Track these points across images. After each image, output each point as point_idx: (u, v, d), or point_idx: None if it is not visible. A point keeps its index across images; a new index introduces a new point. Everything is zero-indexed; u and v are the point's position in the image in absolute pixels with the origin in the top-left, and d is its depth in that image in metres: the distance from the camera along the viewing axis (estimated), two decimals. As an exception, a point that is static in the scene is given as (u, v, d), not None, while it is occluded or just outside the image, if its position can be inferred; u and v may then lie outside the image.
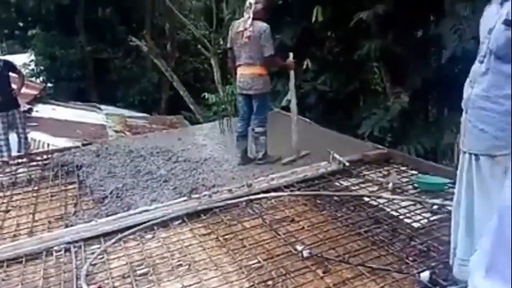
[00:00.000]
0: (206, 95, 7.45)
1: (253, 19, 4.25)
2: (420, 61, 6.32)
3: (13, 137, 5.94)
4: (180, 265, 2.70)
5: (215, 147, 5.35)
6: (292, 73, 4.68)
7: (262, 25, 4.23)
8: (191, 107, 12.69)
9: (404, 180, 3.74)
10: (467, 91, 2.03)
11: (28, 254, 2.97)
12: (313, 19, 6.22)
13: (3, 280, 2.71)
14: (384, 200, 3.35)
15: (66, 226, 3.41)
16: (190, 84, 14.06)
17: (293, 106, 4.75)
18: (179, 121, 12.01)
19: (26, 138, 5.94)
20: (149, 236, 3.12)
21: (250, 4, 4.28)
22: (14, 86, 5.95)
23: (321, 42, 7.23)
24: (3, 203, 4.07)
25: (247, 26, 4.26)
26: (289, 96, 4.88)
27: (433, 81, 5.91)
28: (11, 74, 5.91)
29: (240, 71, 4.42)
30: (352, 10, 6.09)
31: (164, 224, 3.25)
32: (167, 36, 17.04)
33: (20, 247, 3.04)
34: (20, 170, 4.98)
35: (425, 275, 2.28)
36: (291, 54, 4.67)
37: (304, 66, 6.72)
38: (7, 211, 3.88)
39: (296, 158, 4.55)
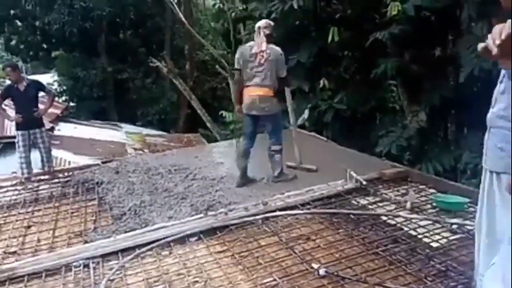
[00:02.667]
0: (223, 113, 7.56)
1: (267, 42, 4.40)
2: (437, 80, 6.30)
3: (35, 155, 6.07)
4: (197, 281, 2.71)
5: (232, 165, 5.37)
6: (288, 90, 4.89)
7: (278, 49, 4.41)
8: (208, 125, 12.83)
9: (423, 199, 3.69)
10: (490, 110, 2.04)
11: (47, 269, 3.02)
12: (330, 39, 6.29)
13: (23, 294, 2.76)
14: (402, 219, 3.31)
15: (85, 242, 3.46)
16: (207, 102, 14.26)
17: (292, 119, 5.04)
18: (196, 139, 12.16)
19: (49, 157, 5.95)
20: (166, 252, 3.14)
21: (259, 28, 4.43)
22: (41, 106, 6.09)
23: (338, 61, 7.29)
24: (25, 218, 4.17)
25: (263, 48, 4.37)
26: (290, 114, 5.09)
27: (452, 99, 5.86)
28: (41, 93, 6.05)
29: (250, 92, 4.47)
30: (368, 30, 6.14)
31: (181, 240, 3.27)
32: (186, 56, 17.42)
33: (40, 263, 3.10)
34: (42, 187, 5.11)
35: (444, 296, 2.23)
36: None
37: (321, 85, 6.77)
38: (29, 227, 3.97)
39: (297, 166, 4.77)
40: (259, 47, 4.38)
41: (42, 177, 5.51)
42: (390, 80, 7.10)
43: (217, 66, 13.27)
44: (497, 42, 1.46)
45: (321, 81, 6.75)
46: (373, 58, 6.33)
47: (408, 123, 5.92)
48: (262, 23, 4.49)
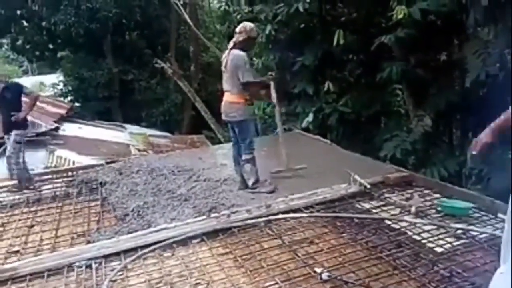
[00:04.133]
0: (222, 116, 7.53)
1: (232, 48, 4.32)
2: (443, 84, 6.27)
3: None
4: (199, 283, 2.70)
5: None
6: (272, 85, 4.65)
7: (238, 53, 4.26)
8: (213, 127, 12.85)
9: (427, 203, 3.66)
10: None
11: (50, 269, 3.02)
12: (335, 42, 6.29)
13: (25, 294, 2.76)
14: (406, 224, 3.28)
15: (88, 242, 3.47)
16: (212, 104, 14.24)
17: (278, 119, 4.94)
18: (200, 141, 12.16)
19: (16, 164, 5.10)
20: (168, 254, 3.13)
21: (235, 33, 4.38)
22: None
23: (343, 65, 7.28)
24: (28, 218, 4.18)
25: (225, 54, 4.40)
26: (277, 119, 4.99)
27: (457, 104, 5.83)
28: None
29: (223, 97, 4.49)
30: (373, 33, 6.13)
31: (183, 242, 3.26)
32: (191, 58, 17.44)
33: (43, 262, 3.10)
34: (46, 187, 5.12)
35: (448, 302, 2.21)
36: (270, 72, 4.93)
37: (326, 88, 6.76)
38: (32, 226, 3.98)
39: (285, 170, 4.66)
40: (226, 53, 4.40)
41: (45, 177, 5.50)
42: (395, 84, 7.07)
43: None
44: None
45: (326, 84, 6.73)
46: (378, 62, 6.32)
47: (413, 127, 5.89)
48: (238, 27, 4.39)
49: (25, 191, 4.99)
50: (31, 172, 5.50)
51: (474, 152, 2.06)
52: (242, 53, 4.27)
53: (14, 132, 5.10)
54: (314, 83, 7.06)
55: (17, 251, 3.46)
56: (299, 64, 6.98)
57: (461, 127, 6.69)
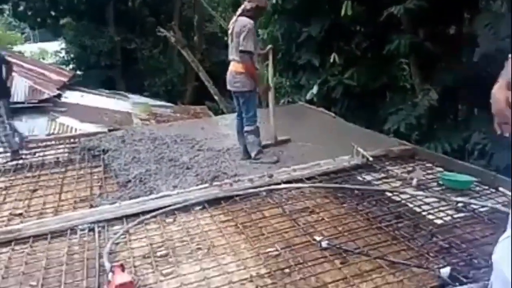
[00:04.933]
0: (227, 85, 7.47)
1: (239, 15, 4.23)
2: (451, 58, 6.17)
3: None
4: (200, 249, 2.73)
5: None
6: (270, 58, 4.68)
7: (244, 21, 4.17)
8: (216, 98, 12.79)
9: (429, 176, 3.66)
10: None
11: (53, 231, 3.06)
12: (342, 12, 6.14)
13: (28, 254, 2.80)
14: (407, 196, 3.29)
15: (91, 206, 3.50)
16: (215, 75, 14.12)
17: (271, 90, 4.84)
18: (203, 111, 12.13)
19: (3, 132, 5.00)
20: (170, 220, 3.16)
21: (245, 0, 4.28)
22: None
23: (350, 36, 7.13)
24: (31, 182, 4.21)
25: (232, 21, 4.31)
26: (270, 80, 4.87)
27: (464, 79, 5.74)
28: None
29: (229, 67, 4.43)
30: (382, 4, 5.97)
31: (185, 209, 3.29)
32: (195, 28, 17.19)
33: (46, 225, 3.14)
34: (48, 152, 5.13)
35: (445, 271, 2.23)
36: (269, 46, 4.85)
37: (331, 60, 6.65)
38: (35, 190, 4.01)
39: (272, 144, 4.65)
40: (233, 21, 4.30)
41: (48, 143, 5.51)
42: (403, 58, 6.96)
43: (226, 38, 13.12)
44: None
45: (332, 56, 6.62)
46: (387, 34, 6.19)
47: (418, 102, 5.82)
48: None
49: (28, 156, 5.00)
50: (23, 136, 5.27)
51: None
52: (247, 21, 4.17)
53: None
54: (320, 54, 6.94)
55: (21, 214, 3.50)
56: (305, 35, 6.84)
57: (467, 103, 6.62)
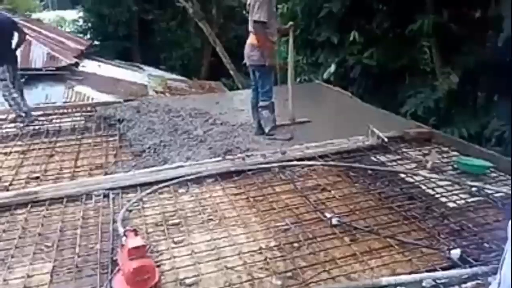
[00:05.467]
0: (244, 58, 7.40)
1: None
2: (475, 42, 5.99)
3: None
4: (211, 219, 2.77)
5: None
6: (291, 35, 4.58)
7: None
8: (232, 73, 12.70)
9: (445, 160, 3.62)
10: None
11: (69, 195, 3.12)
12: (365, -12, 5.98)
13: (44, 217, 2.88)
14: (421, 178, 3.26)
15: (106, 174, 3.56)
16: (232, 51, 13.99)
17: (290, 70, 4.72)
18: (218, 87, 12.08)
19: (12, 99, 5.05)
20: (182, 190, 3.20)
21: None
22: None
23: (371, 15, 6.95)
24: (48, 148, 4.28)
25: None
26: (289, 58, 4.78)
27: (487, 64, 5.59)
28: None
29: None
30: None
31: (198, 181, 3.32)
32: (214, 1, 16.92)
33: (62, 189, 3.21)
34: (65, 120, 5.20)
35: (455, 252, 2.23)
36: (290, 22, 4.71)
37: (351, 38, 6.52)
38: (51, 156, 4.09)
39: (289, 124, 4.54)
40: None
41: (65, 110, 5.57)
42: (425, 39, 6.78)
43: (244, 13, 12.92)
44: None
45: (352, 34, 6.48)
46: (410, 14, 6.02)
47: (438, 85, 5.71)
48: None
49: (45, 122, 5.08)
50: (30, 107, 5.31)
51: None
52: None
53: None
54: (339, 32, 6.79)
55: (38, 177, 3.58)
56: (326, 11, 6.68)
57: (488, 89, 6.46)
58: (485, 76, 6.27)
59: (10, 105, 5.10)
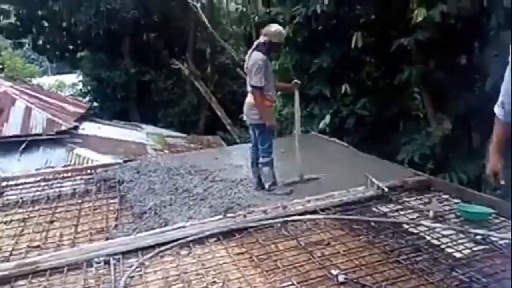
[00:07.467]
0: (244, 117, 7.56)
1: (253, 50, 4.30)
2: (463, 88, 6.18)
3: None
4: (215, 282, 2.71)
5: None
6: (297, 93, 4.66)
7: (257, 55, 4.23)
8: (228, 127, 12.91)
9: (446, 208, 3.61)
10: None
11: (70, 264, 3.07)
12: (353, 44, 6.26)
13: (45, 287, 2.81)
14: (425, 228, 3.24)
15: (107, 238, 3.52)
16: (227, 106, 14.33)
17: (297, 125, 4.81)
18: (215, 141, 12.23)
19: None
20: (185, 252, 3.16)
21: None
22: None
23: (360, 67, 7.23)
24: (48, 214, 4.25)
25: (247, 56, 4.40)
26: (296, 115, 4.84)
27: (477, 108, 5.73)
28: None
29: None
30: (392, 36, 6.08)
31: (200, 241, 3.28)
32: (208, 59, 17.58)
33: (63, 257, 3.15)
34: (65, 184, 5.20)
35: (467, 307, 2.18)
36: (295, 80, 4.78)
37: (343, 90, 6.73)
38: (52, 222, 4.05)
39: (298, 181, 4.57)
40: (248, 53, 4.39)
41: (65, 174, 5.59)
42: (414, 87, 7.00)
43: (238, 70, 13.38)
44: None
45: (343, 87, 6.70)
46: (397, 65, 6.27)
47: (432, 131, 5.82)
48: (264, 29, 4.34)
49: (45, 187, 5.07)
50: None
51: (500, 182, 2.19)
52: (259, 56, 4.24)
53: None
54: (331, 85, 7.04)
55: (38, 246, 3.52)
56: (316, 66, 6.97)
57: (481, 131, 6.57)
58: (477, 119, 6.42)
59: None
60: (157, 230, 3.48)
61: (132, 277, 2.84)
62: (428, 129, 6.02)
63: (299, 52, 7.41)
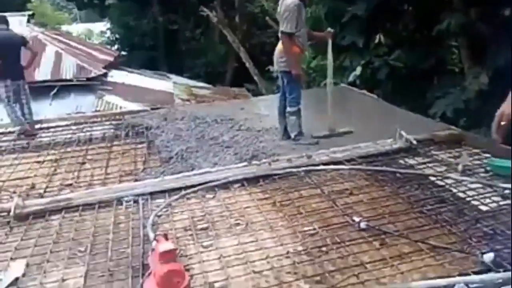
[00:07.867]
0: (271, 68, 7.45)
1: None
2: (504, 41, 5.82)
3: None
4: (238, 224, 2.79)
5: (277, 118, 5.36)
6: (329, 43, 4.54)
7: (289, 2, 4.10)
8: (256, 78, 12.77)
9: (476, 162, 3.52)
10: None
11: (101, 201, 3.21)
12: (390, -10, 5.92)
13: (77, 222, 2.96)
14: (452, 181, 3.18)
15: (135, 180, 3.64)
16: (256, 57, 14.08)
17: (329, 78, 4.70)
18: (242, 93, 12.16)
19: (12, 112, 5.51)
20: (210, 195, 3.24)
21: None
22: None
23: (397, 16, 6.87)
24: (79, 156, 4.41)
25: (280, 1, 4.24)
26: (328, 66, 4.74)
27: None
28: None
29: None
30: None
31: (225, 186, 3.35)
32: (237, 7, 17.11)
33: (94, 195, 3.30)
34: (95, 128, 5.35)
35: (488, 257, 2.16)
36: (329, 28, 4.66)
37: (377, 41, 6.46)
38: (83, 163, 4.21)
39: (329, 135, 4.49)
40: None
41: (96, 119, 5.73)
42: (453, 39, 6.64)
43: (267, 19, 13.00)
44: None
45: (377, 36, 6.42)
46: (436, 14, 5.92)
47: (467, 85, 5.57)
48: None
49: (76, 131, 5.24)
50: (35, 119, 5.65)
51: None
52: (293, 2, 4.11)
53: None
54: (364, 35, 6.74)
55: (70, 184, 3.69)
56: (350, 15, 6.66)
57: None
58: (516, 75, 6.08)
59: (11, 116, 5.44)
60: (184, 174, 3.57)
61: (160, 215, 2.95)
62: (464, 84, 5.76)
63: (333, -1, 7.08)
